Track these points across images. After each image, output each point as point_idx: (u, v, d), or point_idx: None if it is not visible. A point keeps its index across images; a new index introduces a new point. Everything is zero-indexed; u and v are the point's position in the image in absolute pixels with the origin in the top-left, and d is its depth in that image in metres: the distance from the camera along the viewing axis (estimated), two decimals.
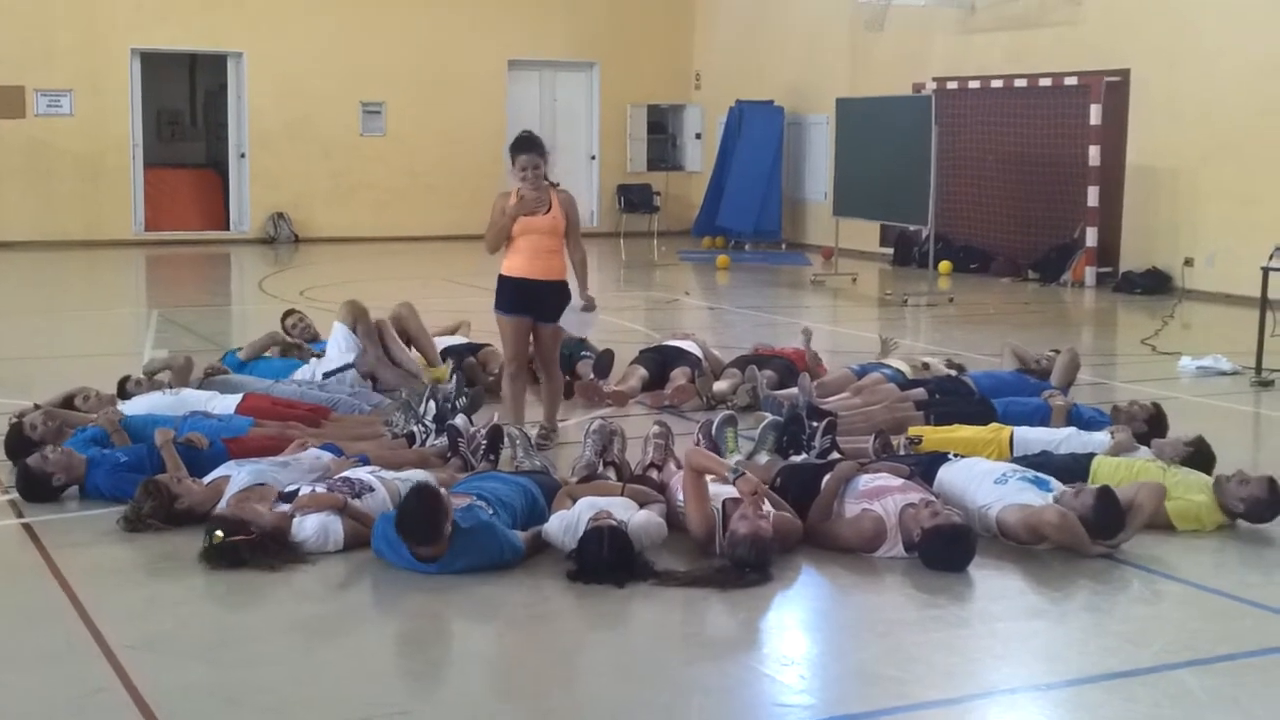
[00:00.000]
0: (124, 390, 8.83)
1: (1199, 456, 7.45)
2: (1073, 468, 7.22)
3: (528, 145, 8.11)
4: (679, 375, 9.90)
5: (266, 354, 9.98)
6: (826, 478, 6.65)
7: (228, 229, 22.44)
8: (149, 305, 16.00)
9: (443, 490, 5.95)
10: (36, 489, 6.98)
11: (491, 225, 8.16)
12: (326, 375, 9.49)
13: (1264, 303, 11.11)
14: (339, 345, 9.62)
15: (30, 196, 20.83)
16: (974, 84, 18.58)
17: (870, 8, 19.11)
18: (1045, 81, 17.61)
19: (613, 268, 20.67)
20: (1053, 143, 17.75)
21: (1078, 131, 17.13)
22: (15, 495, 7.03)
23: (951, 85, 18.72)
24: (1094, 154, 16.87)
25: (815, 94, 21.45)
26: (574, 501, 6.30)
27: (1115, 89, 16.88)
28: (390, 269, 19.18)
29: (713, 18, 24.05)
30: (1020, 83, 17.96)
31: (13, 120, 20.66)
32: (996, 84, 18.28)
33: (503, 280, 8.30)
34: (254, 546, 6.01)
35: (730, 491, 6.24)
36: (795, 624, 5.72)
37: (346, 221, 22.46)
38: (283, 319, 10.53)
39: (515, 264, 8.21)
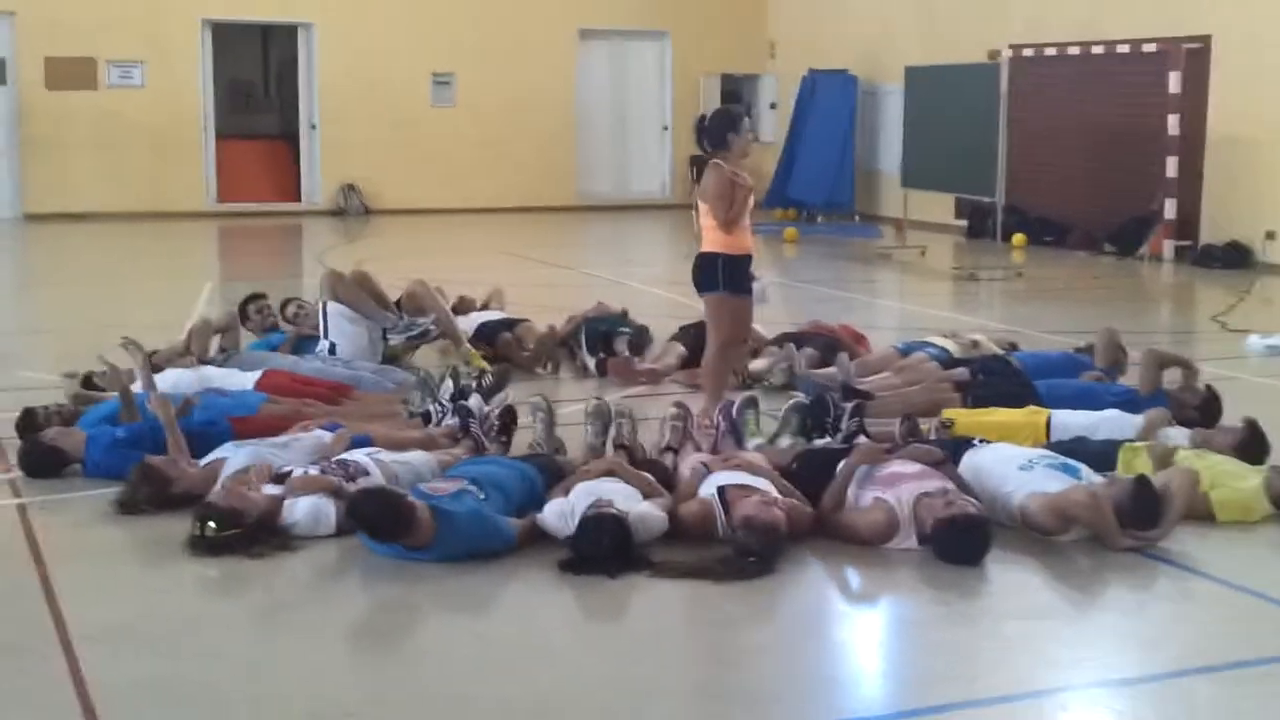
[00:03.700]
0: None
1: (1251, 444, 6.98)
2: (1109, 453, 6.86)
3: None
4: None
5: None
6: (842, 462, 6.35)
7: (299, 200, 22.45)
8: (208, 278, 15.93)
9: (389, 486, 5.64)
10: (36, 463, 6.90)
11: (734, 201, 7.67)
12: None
13: None
14: (341, 326, 9.32)
15: (102, 168, 20.89)
16: (1050, 51, 18.00)
17: None
18: (1123, 49, 16.99)
19: (683, 240, 20.33)
20: (1131, 112, 17.08)
21: (1157, 100, 16.46)
22: (18, 474, 6.93)
23: (1028, 52, 18.15)
24: (1173, 123, 16.22)
25: (890, 62, 20.86)
26: (567, 493, 6.05)
27: (1196, 56, 16.23)
28: (456, 241, 19.03)
29: None
30: (1098, 50, 17.35)
31: (84, 92, 20.74)
32: (1073, 51, 17.68)
33: (736, 260, 7.83)
34: (246, 540, 5.84)
35: (723, 480, 5.99)
36: (788, 621, 5.41)
37: (416, 193, 22.33)
38: (282, 307, 10.13)
39: (746, 242, 7.90)
